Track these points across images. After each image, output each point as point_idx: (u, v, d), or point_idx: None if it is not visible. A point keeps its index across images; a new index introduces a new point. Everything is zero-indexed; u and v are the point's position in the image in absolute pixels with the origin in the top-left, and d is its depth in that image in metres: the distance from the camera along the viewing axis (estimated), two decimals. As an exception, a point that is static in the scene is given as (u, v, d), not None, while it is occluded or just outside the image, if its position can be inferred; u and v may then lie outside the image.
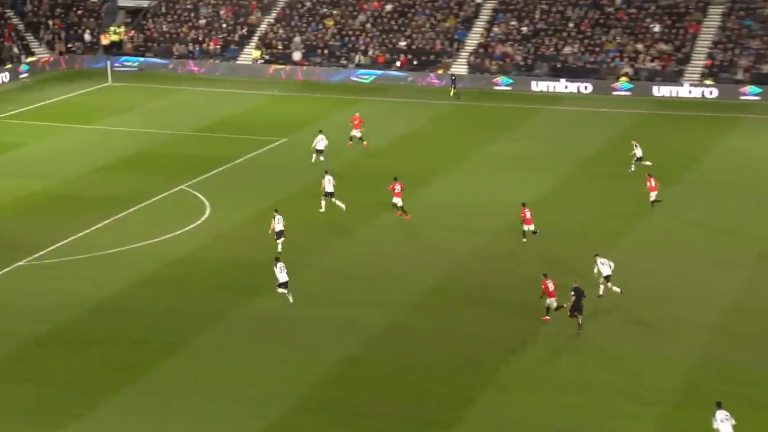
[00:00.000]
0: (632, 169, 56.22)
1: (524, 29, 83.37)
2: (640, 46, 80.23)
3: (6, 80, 79.98)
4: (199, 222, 49.12)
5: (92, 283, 41.86)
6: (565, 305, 38.13)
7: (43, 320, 38.34)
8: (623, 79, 77.93)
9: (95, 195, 53.25)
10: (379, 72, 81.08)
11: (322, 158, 57.53)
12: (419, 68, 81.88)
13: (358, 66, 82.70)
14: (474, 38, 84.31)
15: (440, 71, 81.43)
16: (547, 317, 38.43)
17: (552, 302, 38.33)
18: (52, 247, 45.58)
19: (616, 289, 40.31)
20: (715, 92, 75.67)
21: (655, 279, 42.32)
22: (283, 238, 45.34)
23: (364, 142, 61.07)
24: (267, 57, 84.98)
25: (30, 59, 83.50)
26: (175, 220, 49.16)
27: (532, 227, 46.42)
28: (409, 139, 64.82)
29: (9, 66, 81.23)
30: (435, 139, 64.19)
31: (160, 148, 62.39)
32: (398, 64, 77.51)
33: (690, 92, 76.20)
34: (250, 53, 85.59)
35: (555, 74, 79.64)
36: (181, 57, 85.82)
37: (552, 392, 33.18)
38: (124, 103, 74.00)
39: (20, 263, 43.86)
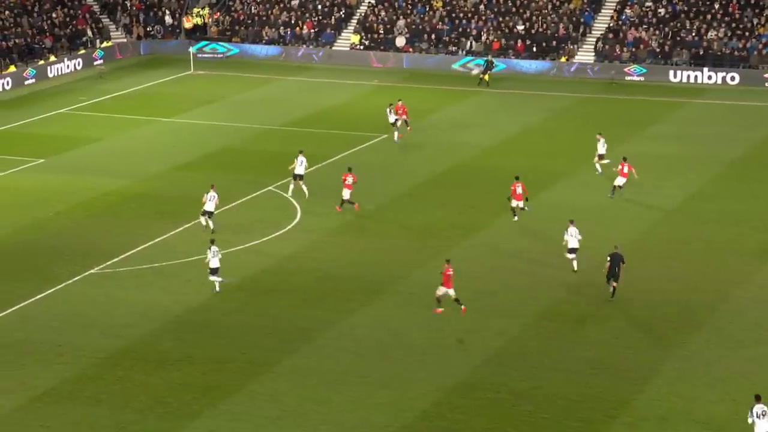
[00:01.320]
0: (599, 171, 55.81)
1: (661, 11, 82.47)
2: (796, 30, 78.69)
3: (79, 67, 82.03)
4: (288, 228, 49.72)
5: (171, 295, 42.68)
6: (462, 306, 39.83)
7: (117, 335, 39.21)
8: (776, 68, 76.55)
9: (176, 195, 54.27)
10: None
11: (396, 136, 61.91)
12: (539, 55, 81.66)
13: (469, 53, 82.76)
14: (603, 21, 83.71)
15: (563, 59, 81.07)
16: (439, 309, 40.08)
17: (448, 292, 39.96)
18: (128, 253, 46.60)
19: (575, 265, 43.49)
20: None
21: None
22: (209, 219, 48.02)
23: (397, 133, 62.66)
24: (367, 42, 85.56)
25: (106, 44, 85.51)
26: (262, 225, 49.83)
27: (521, 204, 48.94)
28: (527, 135, 64.62)
29: (83, 52, 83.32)
30: (557, 137, 63.87)
31: (247, 144, 63.33)
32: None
33: None
34: (348, 38, 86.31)
35: (697, 63, 78.60)
36: (272, 42, 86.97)
37: (689, 427, 32.78)
38: (208, 93, 75.29)
39: (92, 271, 44.93)
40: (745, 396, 34.10)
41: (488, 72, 77.06)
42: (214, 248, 42.58)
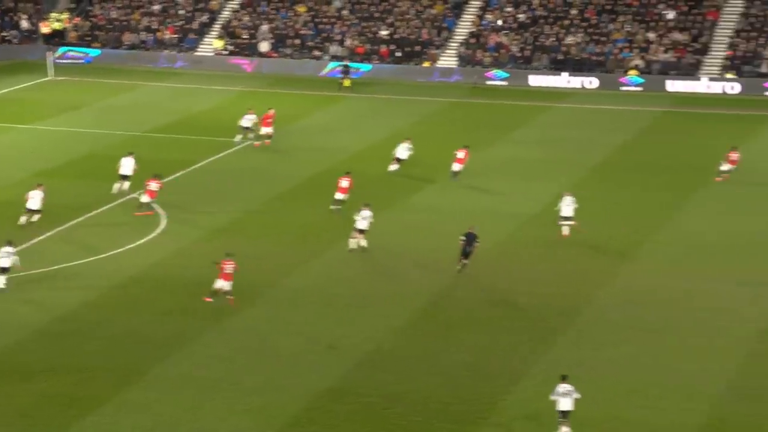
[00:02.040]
0: (392, 168, 57.69)
1: (521, 16, 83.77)
2: (651, 36, 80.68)
3: (-67, 73, 79.71)
4: (153, 235, 49.06)
5: (34, 305, 41.66)
6: (228, 297, 40.95)
7: (-21, 347, 38.13)
8: (633, 72, 78.39)
9: (37, 204, 53.06)
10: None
11: (250, 136, 62.63)
12: (403, 60, 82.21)
13: (334, 58, 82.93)
14: (464, 26, 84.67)
15: (427, 64, 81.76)
16: (210, 299, 41.13)
17: (223, 285, 40.98)
18: (-11, 264, 45.34)
19: (363, 243, 46.11)
20: (738, 87, 76.23)
21: (670, 298, 42.45)
22: (36, 217, 48.27)
23: (257, 143, 62.80)
24: (231, 47, 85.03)
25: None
26: (127, 232, 49.05)
27: (342, 197, 50.95)
28: (395, 139, 64.78)
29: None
30: (422, 142, 64.11)
31: (111, 150, 62.12)
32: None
33: (709, 87, 76.76)
34: (212, 43, 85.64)
35: (556, 67, 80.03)
36: (133, 47, 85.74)
37: (555, 427, 33.15)
38: (70, 99, 73.87)
39: (-48, 282, 43.65)
40: (607, 395, 34.84)
41: (347, 77, 77.38)
42: (7, 248, 42.44)
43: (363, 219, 46.28)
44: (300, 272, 44.91)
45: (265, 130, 63.08)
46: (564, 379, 32.77)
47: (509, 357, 37.80)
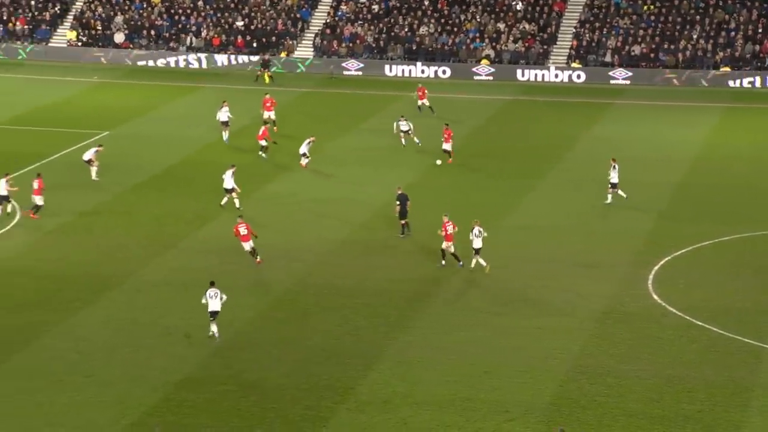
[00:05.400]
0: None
1: (375, 7, 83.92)
2: (501, 26, 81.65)
3: None
4: (7, 228, 47.89)
5: None
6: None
7: None
8: (484, 62, 79.24)
9: None
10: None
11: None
12: (259, 51, 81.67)
13: (190, 49, 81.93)
14: (320, 17, 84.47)
15: (283, 55, 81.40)
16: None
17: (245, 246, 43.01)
18: None
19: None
20: (583, 76, 77.69)
21: (518, 282, 42.98)
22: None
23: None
24: (84, 39, 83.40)
25: None
26: (-21, 226, 47.84)
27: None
28: (250, 130, 64.37)
29: None
30: (278, 131, 63.90)
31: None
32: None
33: (557, 76, 78.08)
34: (65, 34, 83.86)
35: (410, 57, 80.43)
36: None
37: (410, 409, 33.39)
38: None
39: None
40: (461, 378, 35.13)
41: (267, 71, 76.15)
42: None
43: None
44: (156, 263, 44.30)
45: (267, 115, 62.14)
46: (212, 284, 36.95)
47: (363, 342, 37.86)
